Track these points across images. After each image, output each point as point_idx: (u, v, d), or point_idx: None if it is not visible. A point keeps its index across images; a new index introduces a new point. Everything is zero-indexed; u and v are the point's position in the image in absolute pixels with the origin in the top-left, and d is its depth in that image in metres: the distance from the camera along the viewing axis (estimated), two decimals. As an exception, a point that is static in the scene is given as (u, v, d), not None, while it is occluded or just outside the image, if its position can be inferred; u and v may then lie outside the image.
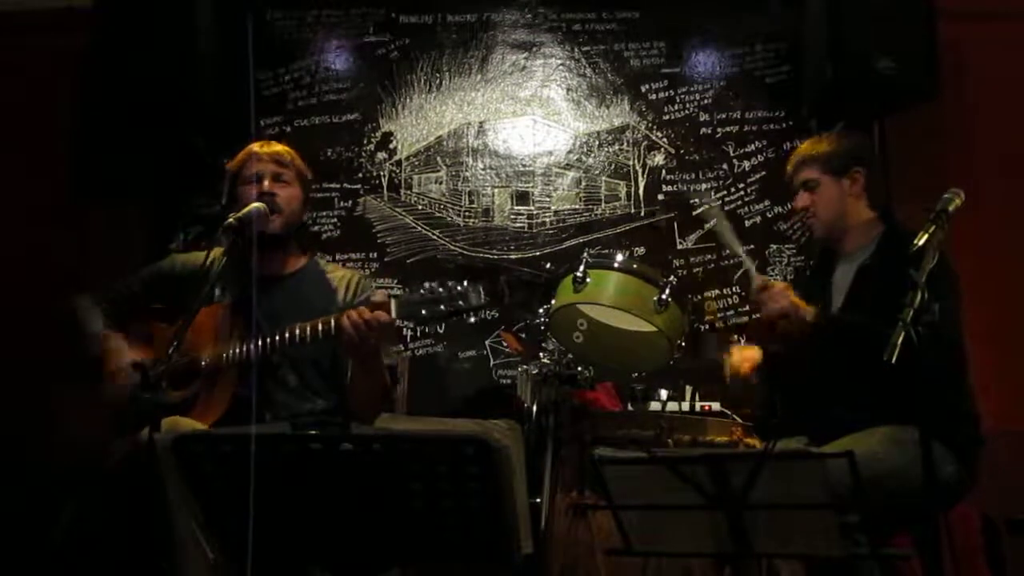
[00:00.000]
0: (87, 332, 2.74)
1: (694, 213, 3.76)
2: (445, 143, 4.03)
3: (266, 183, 2.72)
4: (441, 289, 2.43)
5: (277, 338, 2.50)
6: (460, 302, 2.41)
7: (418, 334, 3.89)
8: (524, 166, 4.00)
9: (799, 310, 2.64)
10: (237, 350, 2.54)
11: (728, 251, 2.95)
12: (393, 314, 2.41)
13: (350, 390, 2.66)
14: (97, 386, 2.68)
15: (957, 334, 2.62)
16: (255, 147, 2.80)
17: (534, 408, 2.78)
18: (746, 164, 3.94)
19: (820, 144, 2.96)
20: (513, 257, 3.91)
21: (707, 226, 3.36)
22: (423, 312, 2.42)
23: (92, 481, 2.65)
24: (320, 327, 2.47)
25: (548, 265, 3.59)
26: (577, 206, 3.96)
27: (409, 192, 4.01)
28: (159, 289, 2.79)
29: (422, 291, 2.43)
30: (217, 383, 2.55)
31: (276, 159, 2.77)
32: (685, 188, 3.94)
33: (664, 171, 3.96)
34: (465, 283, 2.43)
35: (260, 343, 2.50)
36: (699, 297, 3.81)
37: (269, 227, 2.63)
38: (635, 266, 2.60)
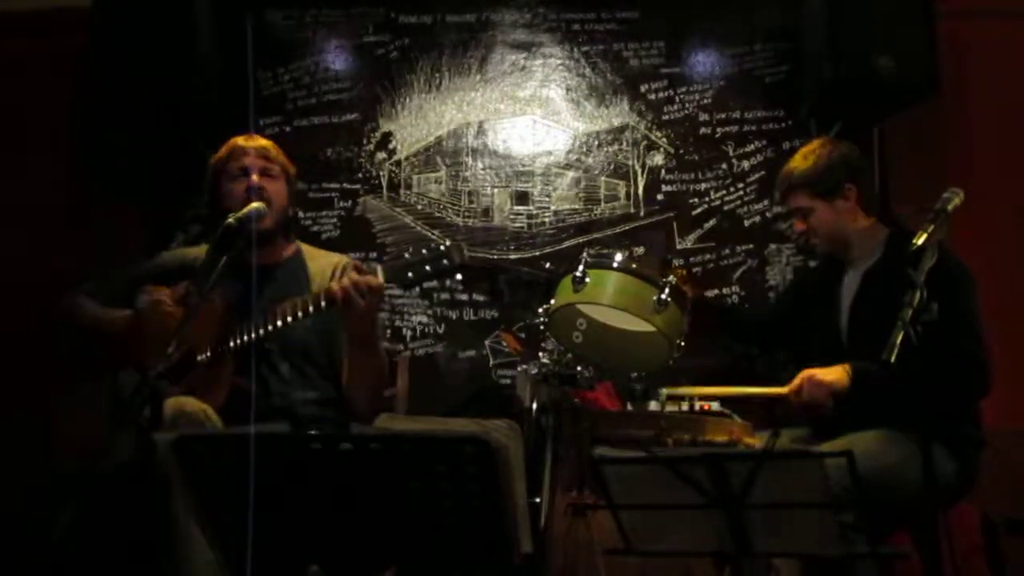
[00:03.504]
0: (87, 319, 2.73)
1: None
2: (445, 143, 4.03)
3: (254, 178, 2.72)
4: (424, 251, 2.43)
5: (270, 323, 2.50)
6: (444, 261, 2.41)
7: (418, 334, 3.90)
8: (524, 166, 4.00)
9: (839, 385, 2.62)
10: (233, 341, 2.54)
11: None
12: (381, 278, 2.41)
13: (348, 375, 2.66)
14: (100, 383, 2.68)
15: (963, 335, 2.61)
16: (240, 141, 2.80)
17: (534, 408, 2.78)
18: (745, 164, 3.94)
19: (806, 162, 2.90)
20: (513, 257, 3.92)
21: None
22: (410, 275, 2.41)
23: (92, 481, 2.65)
24: (311, 301, 2.47)
25: (548, 265, 3.59)
26: (577, 206, 3.96)
27: (409, 192, 4.01)
28: (148, 284, 2.78)
29: (406, 255, 2.43)
30: (215, 374, 2.55)
31: (263, 154, 2.77)
32: (685, 188, 3.94)
33: (664, 171, 3.96)
34: (447, 243, 2.42)
35: (256, 331, 2.51)
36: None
37: (260, 225, 2.63)
38: (634, 266, 2.60)
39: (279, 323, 2.49)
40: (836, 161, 2.88)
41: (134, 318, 2.66)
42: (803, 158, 2.92)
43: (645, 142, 3.98)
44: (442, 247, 2.41)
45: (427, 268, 2.41)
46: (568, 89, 4.03)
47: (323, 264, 2.85)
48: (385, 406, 3.14)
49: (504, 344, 3.80)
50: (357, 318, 2.46)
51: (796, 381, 2.70)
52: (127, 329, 2.65)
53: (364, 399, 2.69)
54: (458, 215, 3.98)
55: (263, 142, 2.82)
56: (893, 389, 2.44)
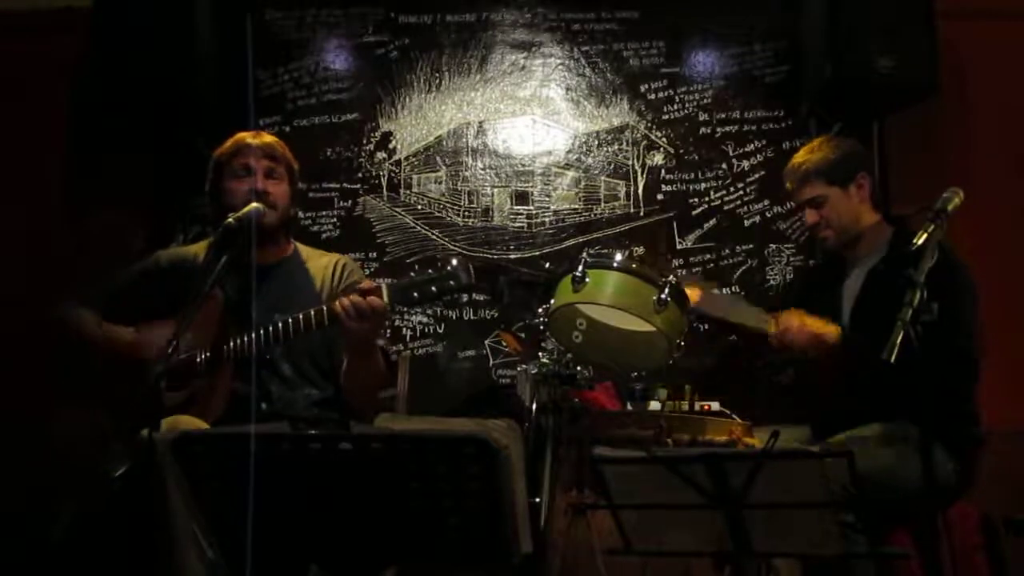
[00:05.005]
0: (86, 335, 2.73)
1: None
2: (444, 143, 4.03)
3: (259, 180, 2.71)
4: (430, 270, 2.42)
5: (272, 330, 2.49)
6: (451, 282, 2.40)
7: (418, 334, 3.90)
8: (523, 166, 4.00)
9: (823, 337, 2.65)
10: (233, 344, 2.53)
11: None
12: (385, 299, 2.41)
13: (346, 377, 2.66)
14: (103, 384, 2.67)
15: (970, 347, 2.61)
16: (247, 138, 2.78)
17: (534, 408, 2.78)
18: (745, 164, 3.94)
19: (817, 154, 2.90)
20: (512, 257, 3.92)
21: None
22: (415, 295, 2.41)
23: (92, 481, 2.65)
24: (314, 315, 2.47)
25: (547, 265, 3.59)
26: (576, 206, 3.96)
27: (409, 192, 4.01)
28: (145, 287, 2.78)
29: (412, 274, 2.43)
30: (215, 379, 2.55)
31: (269, 153, 2.75)
32: (685, 188, 3.94)
33: (663, 171, 3.96)
34: (454, 262, 2.42)
35: (257, 336, 2.51)
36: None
37: (264, 221, 2.63)
38: (634, 266, 2.60)
39: (281, 337, 2.49)
40: (848, 151, 2.91)
41: (137, 337, 2.66)
42: (812, 151, 2.93)
43: (645, 142, 3.98)
44: (448, 267, 2.41)
45: (433, 288, 2.40)
46: (568, 89, 4.03)
47: (322, 264, 2.85)
48: (385, 406, 3.15)
49: (504, 344, 3.80)
50: (358, 335, 2.46)
51: (784, 322, 2.72)
52: (129, 348, 2.64)
53: (360, 399, 2.70)
54: (458, 215, 3.97)
55: (269, 139, 2.81)
56: (881, 373, 2.42)
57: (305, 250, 2.92)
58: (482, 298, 3.88)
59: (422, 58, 4.06)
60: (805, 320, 2.71)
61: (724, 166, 3.94)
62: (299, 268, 2.82)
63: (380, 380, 2.74)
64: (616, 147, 3.98)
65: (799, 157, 2.96)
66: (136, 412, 2.43)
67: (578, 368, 2.76)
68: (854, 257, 2.95)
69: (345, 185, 4.01)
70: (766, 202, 3.91)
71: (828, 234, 2.94)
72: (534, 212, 3.96)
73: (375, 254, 3.95)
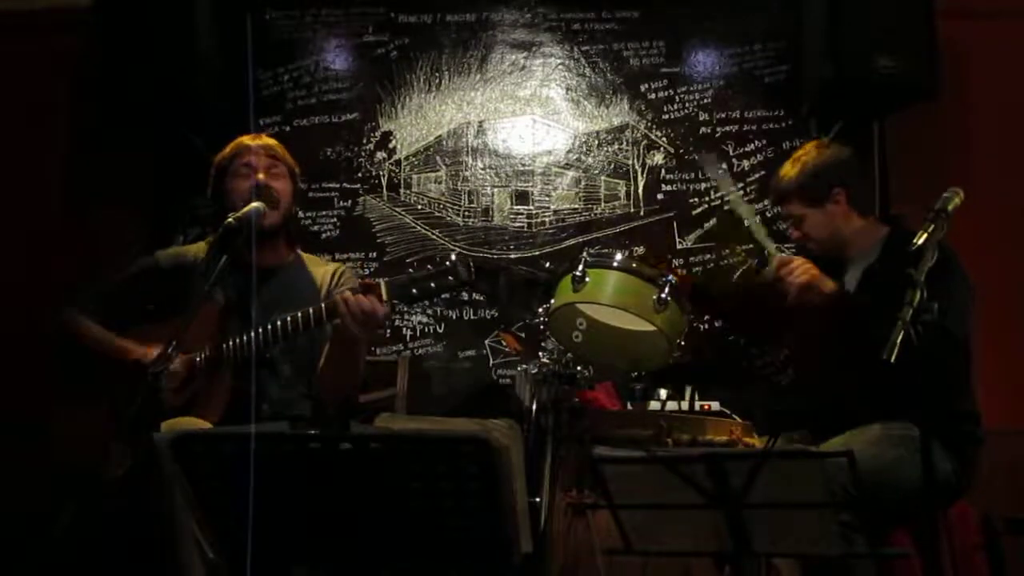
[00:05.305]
0: (88, 343, 2.72)
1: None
2: (444, 143, 4.03)
3: (261, 175, 2.71)
4: (429, 267, 2.42)
5: (271, 329, 2.49)
6: (450, 278, 2.40)
7: (418, 334, 3.90)
8: (524, 166, 4.00)
9: (822, 278, 2.66)
10: (232, 344, 2.53)
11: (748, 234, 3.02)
12: (384, 296, 2.40)
13: (324, 365, 2.63)
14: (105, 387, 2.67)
15: (959, 334, 2.62)
16: (246, 140, 2.79)
17: (534, 408, 2.78)
18: (745, 163, 3.94)
19: (792, 171, 2.92)
20: (512, 257, 3.92)
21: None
22: (414, 291, 2.40)
23: (92, 481, 2.65)
24: (312, 313, 2.46)
25: (547, 264, 3.59)
26: (577, 205, 3.96)
27: (408, 192, 4.01)
28: (144, 286, 2.78)
29: (410, 271, 2.43)
30: (214, 380, 2.55)
31: (269, 152, 2.76)
32: (685, 188, 3.94)
33: (663, 170, 3.96)
34: (453, 258, 2.41)
35: (256, 336, 2.50)
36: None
37: (267, 220, 2.63)
38: (634, 265, 2.60)
39: (280, 336, 2.49)
40: (822, 167, 2.89)
41: (132, 346, 2.66)
42: (790, 165, 2.94)
43: (645, 142, 3.98)
44: (447, 263, 2.40)
45: (432, 284, 2.40)
46: (568, 89, 4.03)
47: (324, 271, 2.85)
48: (385, 406, 3.15)
49: (504, 344, 3.80)
50: (353, 331, 2.45)
51: (791, 258, 2.77)
52: (128, 356, 2.64)
53: (331, 390, 2.67)
54: (458, 215, 3.98)
55: (269, 141, 2.81)
56: (877, 347, 2.41)
57: (308, 257, 2.92)
58: (482, 298, 3.89)
59: (422, 58, 4.06)
60: (809, 262, 2.72)
61: (724, 166, 3.94)
62: (301, 271, 2.82)
63: (355, 377, 2.72)
64: (616, 147, 3.98)
65: (778, 173, 2.98)
66: (135, 413, 2.43)
67: (578, 368, 2.76)
68: (848, 259, 2.97)
69: (345, 185, 4.01)
70: (766, 202, 3.91)
71: (812, 247, 2.97)
72: (534, 212, 3.96)
73: (375, 254, 3.95)
